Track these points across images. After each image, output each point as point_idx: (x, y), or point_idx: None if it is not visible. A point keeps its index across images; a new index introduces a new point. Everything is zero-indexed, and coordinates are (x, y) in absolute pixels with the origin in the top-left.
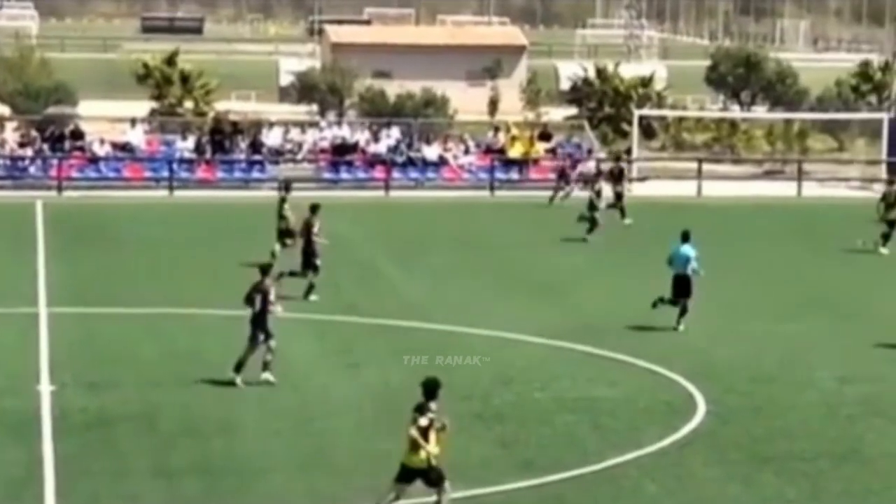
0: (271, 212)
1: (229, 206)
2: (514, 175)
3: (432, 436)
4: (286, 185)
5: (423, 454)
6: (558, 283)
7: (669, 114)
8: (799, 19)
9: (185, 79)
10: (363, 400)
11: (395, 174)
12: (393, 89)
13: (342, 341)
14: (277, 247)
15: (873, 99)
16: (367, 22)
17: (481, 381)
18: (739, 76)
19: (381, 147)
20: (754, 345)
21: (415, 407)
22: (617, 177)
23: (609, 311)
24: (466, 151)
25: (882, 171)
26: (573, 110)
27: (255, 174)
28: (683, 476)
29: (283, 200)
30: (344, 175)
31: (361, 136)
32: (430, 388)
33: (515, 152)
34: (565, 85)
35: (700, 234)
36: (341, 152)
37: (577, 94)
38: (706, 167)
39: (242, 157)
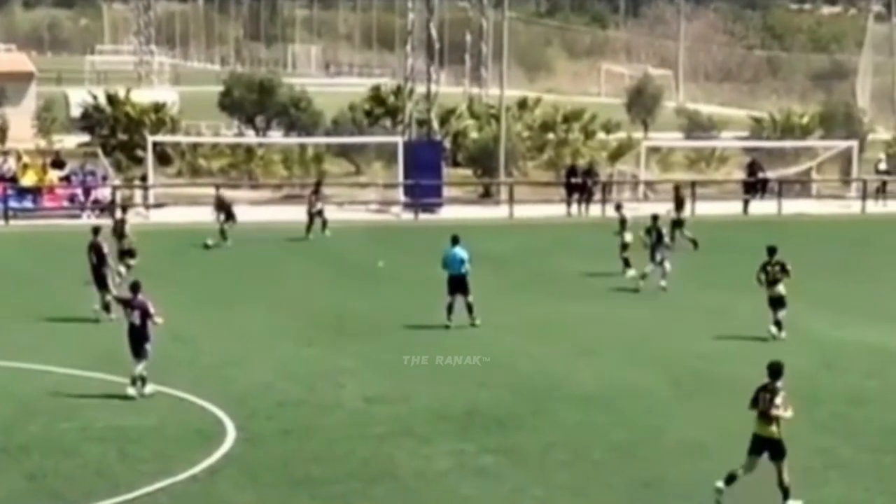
0: None
1: None
2: (29, 204)
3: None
4: (123, 208)
5: (773, 428)
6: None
7: (184, 140)
8: (310, 44)
9: None
10: None
11: None
12: None
13: None
14: (122, 269)
15: (388, 123)
16: None
17: (3, 414)
18: (253, 101)
19: None
20: (281, 368)
21: (760, 388)
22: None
23: None
24: None
25: (399, 194)
26: (86, 137)
27: None
28: (216, 502)
29: (123, 222)
30: None
31: None
32: (778, 370)
33: (28, 181)
34: (76, 112)
35: (220, 260)
36: None
37: (90, 121)
38: (224, 193)
39: None
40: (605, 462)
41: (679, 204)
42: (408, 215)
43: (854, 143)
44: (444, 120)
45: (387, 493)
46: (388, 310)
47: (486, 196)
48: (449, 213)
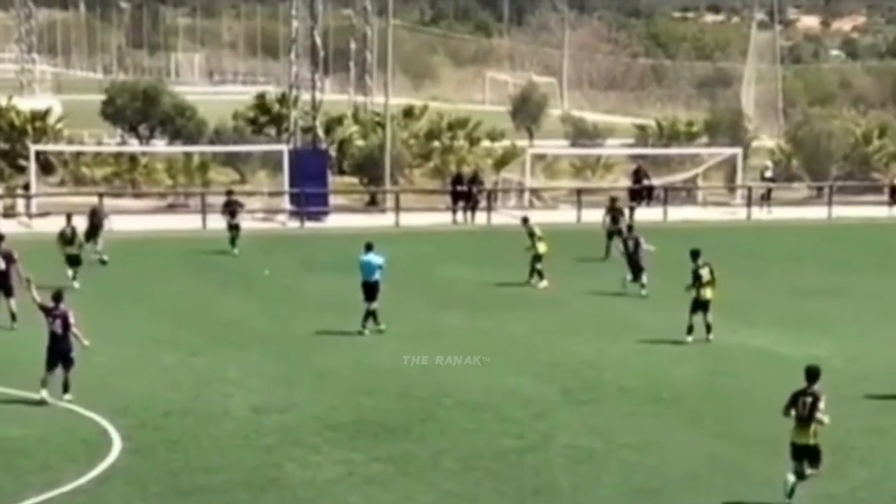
0: None
1: None
2: None
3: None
4: (68, 216)
5: (810, 434)
6: None
7: (67, 149)
8: (193, 53)
9: None
10: None
11: None
12: None
13: None
14: (70, 272)
15: (272, 131)
16: None
17: None
18: (137, 110)
19: None
20: (167, 378)
21: (799, 392)
22: (231, 212)
23: (21, 349)
24: None
25: (285, 202)
26: None
27: None
28: None
29: (73, 230)
30: None
31: None
32: (815, 374)
33: None
34: None
35: (103, 270)
36: None
37: None
38: (108, 202)
39: None
40: (495, 469)
41: (615, 216)
42: (294, 224)
43: (739, 151)
44: (330, 128)
45: (275, 502)
46: (274, 318)
47: (372, 204)
48: (335, 221)
